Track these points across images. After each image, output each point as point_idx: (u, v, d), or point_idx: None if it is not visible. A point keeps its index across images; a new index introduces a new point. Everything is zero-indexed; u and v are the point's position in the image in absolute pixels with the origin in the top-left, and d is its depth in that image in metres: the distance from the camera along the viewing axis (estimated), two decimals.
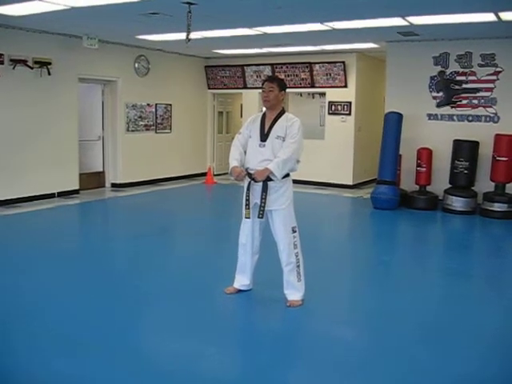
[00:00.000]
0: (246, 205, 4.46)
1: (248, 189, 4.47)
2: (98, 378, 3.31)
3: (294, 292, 4.55)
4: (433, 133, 9.64)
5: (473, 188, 9.06)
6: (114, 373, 3.39)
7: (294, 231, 4.51)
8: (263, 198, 4.37)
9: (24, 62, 8.91)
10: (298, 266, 4.52)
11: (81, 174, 10.42)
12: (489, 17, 7.22)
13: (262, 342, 3.97)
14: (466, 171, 8.93)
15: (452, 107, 9.59)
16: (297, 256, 4.51)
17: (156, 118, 11.90)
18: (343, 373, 3.47)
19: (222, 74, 12.98)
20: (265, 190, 4.37)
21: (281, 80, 4.66)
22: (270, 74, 11.96)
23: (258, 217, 4.42)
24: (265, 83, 4.53)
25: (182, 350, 3.75)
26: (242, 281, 4.78)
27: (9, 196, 8.97)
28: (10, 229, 7.59)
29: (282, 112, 4.53)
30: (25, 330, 4.00)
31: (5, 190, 8.91)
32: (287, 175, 4.47)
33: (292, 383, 3.42)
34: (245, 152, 4.55)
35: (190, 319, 4.30)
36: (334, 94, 11.66)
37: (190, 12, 6.86)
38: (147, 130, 11.73)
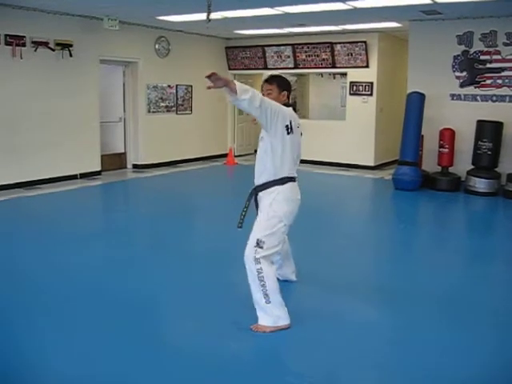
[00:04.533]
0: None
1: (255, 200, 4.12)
2: (118, 364, 3.39)
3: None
4: (456, 113, 9.50)
5: (496, 169, 8.96)
6: (133, 356, 3.47)
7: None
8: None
9: (45, 44, 8.97)
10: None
11: (102, 156, 10.51)
12: None
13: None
14: (489, 152, 8.82)
15: (476, 87, 9.43)
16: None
17: (177, 99, 11.92)
18: (362, 352, 3.50)
19: (243, 55, 12.92)
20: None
21: (281, 79, 4.08)
22: (291, 54, 11.85)
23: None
24: (263, 84, 4.08)
25: (201, 333, 3.80)
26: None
27: (31, 177, 9.09)
28: (33, 210, 7.70)
29: None
30: (43, 310, 4.10)
31: (27, 172, 9.03)
32: (279, 182, 3.92)
33: (316, 365, 3.44)
34: None
35: (210, 303, 4.34)
36: (355, 75, 11.54)
37: None
38: (168, 111, 11.76)
